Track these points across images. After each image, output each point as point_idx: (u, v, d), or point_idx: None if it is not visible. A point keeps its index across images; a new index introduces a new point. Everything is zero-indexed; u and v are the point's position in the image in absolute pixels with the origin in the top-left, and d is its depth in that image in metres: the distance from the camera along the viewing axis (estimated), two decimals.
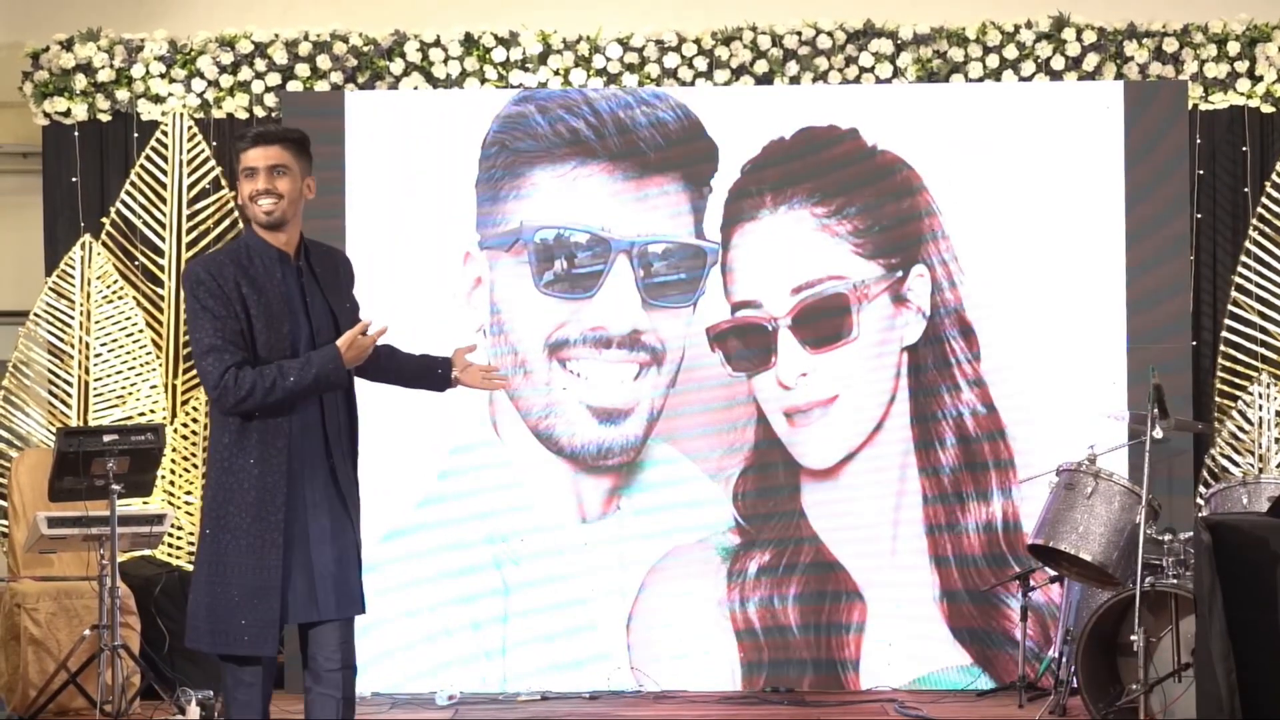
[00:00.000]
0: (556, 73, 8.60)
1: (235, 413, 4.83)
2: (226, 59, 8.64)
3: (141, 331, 8.51)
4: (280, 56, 8.62)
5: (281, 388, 4.79)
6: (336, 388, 4.91)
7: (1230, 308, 8.46)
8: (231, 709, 4.92)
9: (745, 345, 8.12)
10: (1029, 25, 8.61)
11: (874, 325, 8.10)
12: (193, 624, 4.91)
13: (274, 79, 8.63)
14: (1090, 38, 8.57)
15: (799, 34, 8.62)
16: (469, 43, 8.65)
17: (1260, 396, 8.34)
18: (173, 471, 8.44)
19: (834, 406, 8.10)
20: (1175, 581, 6.71)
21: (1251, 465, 8.25)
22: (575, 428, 8.12)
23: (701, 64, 8.61)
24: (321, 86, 8.59)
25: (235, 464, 4.86)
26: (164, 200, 8.61)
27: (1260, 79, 8.56)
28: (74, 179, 8.68)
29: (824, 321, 8.09)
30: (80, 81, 8.64)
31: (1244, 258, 8.47)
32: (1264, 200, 8.49)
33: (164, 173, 8.60)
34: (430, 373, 5.23)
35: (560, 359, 8.09)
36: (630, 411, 8.12)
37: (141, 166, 8.60)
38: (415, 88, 8.58)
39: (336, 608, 4.90)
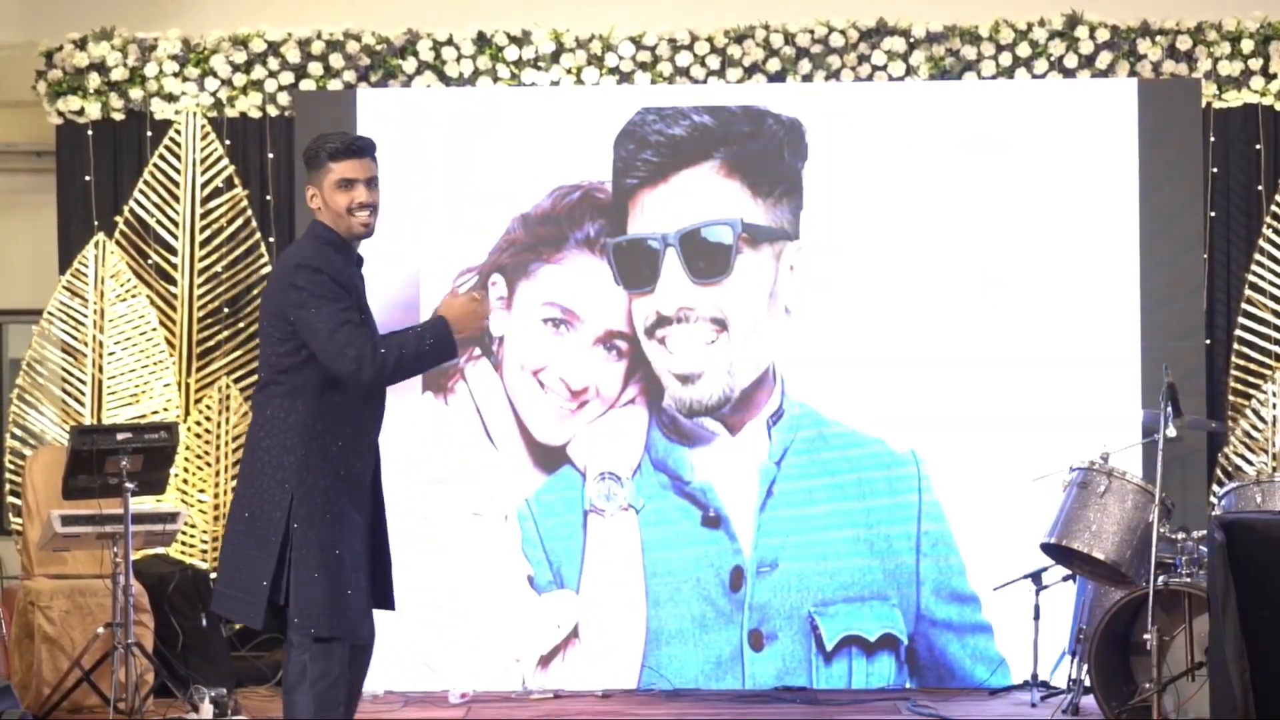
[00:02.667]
0: (569, 71, 8.60)
1: (368, 384, 4.83)
2: (239, 58, 8.65)
3: (155, 330, 8.53)
4: (293, 55, 8.63)
5: (408, 357, 4.82)
6: (448, 358, 4.93)
7: (1244, 306, 8.44)
8: (315, 698, 4.83)
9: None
10: (1042, 23, 8.59)
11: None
12: (307, 608, 4.81)
13: (287, 78, 8.64)
14: (1103, 35, 8.55)
15: (811, 32, 8.62)
16: (481, 41, 8.65)
17: (1274, 395, 8.32)
18: (186, 469, 8.46)
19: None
20: (1189, 580, 6.70)
21: (1265, 464, 8.23)
22: (583, 431, 8.13)
23: (714, 62, 8.61)
24: (334, 85, 8.60)
25: (336, 452, 4.88)
26: (177, 199, 8.62)
27: (1274, 77, 8.54)
28: (88, 178, 8.70)
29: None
30: (94, 80, 8.66)
31: (1258, 256, 8.45)
32: (1278, 198, 8.47)
33: (177, 171, 8.61)
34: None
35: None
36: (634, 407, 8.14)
37: (155, 165, 8.62)
38: (428, 86, 8.59)
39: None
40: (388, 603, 5.05)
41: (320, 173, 4.92)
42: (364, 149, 4.94)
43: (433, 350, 4.86)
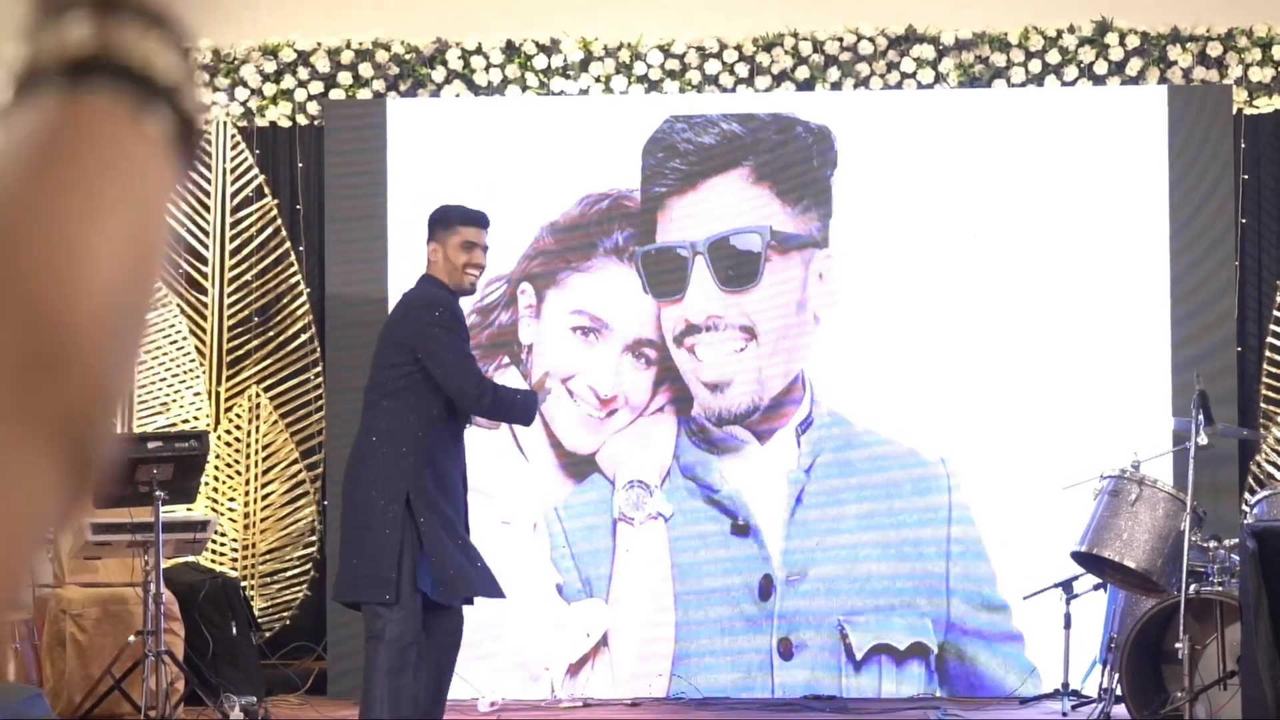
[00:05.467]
0: (598, 79, 8.61)
1: (484, 409, 5.72)
2: (269, 67, 8.68)
3: (185, 339, 8.56)
4: (323, 65, 8.65)
5: (504, 399, 5.75)
6: (523, 420, 6.01)
7: (1276, 313, 8.40)
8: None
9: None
10: (1071, 30, 8.57)
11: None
12: (444, 579, 5.65)
13: (316, 87, 8.66)
14: (1133, 42, 8.53)
15: (840, 40, 8.61)
16: (510, 50, 8.66)
17: None
18: (216, 478, 8.48)
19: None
20: (1220, 588, 6.67)
21: None
22: (612, 439, 8.13)
23: (743, 70, 8.61)
24: (364, 94, 8.63)
25: (441, 461, 5.71)
26: (207, 208, 8.65)
27: None
28: None
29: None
30: None
31: None
32: None
33: (207, 181, 8.64)
34: None
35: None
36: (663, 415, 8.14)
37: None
38: (457, 95, 8.61)
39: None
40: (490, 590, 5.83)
41: (448, 232, 5.77)
42: (487, 222, 5.85)
43: (520, 406, 5.84)
